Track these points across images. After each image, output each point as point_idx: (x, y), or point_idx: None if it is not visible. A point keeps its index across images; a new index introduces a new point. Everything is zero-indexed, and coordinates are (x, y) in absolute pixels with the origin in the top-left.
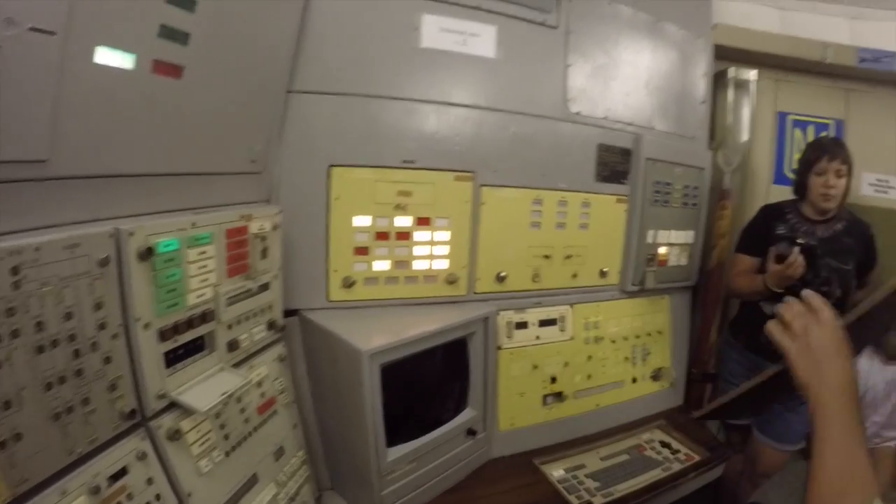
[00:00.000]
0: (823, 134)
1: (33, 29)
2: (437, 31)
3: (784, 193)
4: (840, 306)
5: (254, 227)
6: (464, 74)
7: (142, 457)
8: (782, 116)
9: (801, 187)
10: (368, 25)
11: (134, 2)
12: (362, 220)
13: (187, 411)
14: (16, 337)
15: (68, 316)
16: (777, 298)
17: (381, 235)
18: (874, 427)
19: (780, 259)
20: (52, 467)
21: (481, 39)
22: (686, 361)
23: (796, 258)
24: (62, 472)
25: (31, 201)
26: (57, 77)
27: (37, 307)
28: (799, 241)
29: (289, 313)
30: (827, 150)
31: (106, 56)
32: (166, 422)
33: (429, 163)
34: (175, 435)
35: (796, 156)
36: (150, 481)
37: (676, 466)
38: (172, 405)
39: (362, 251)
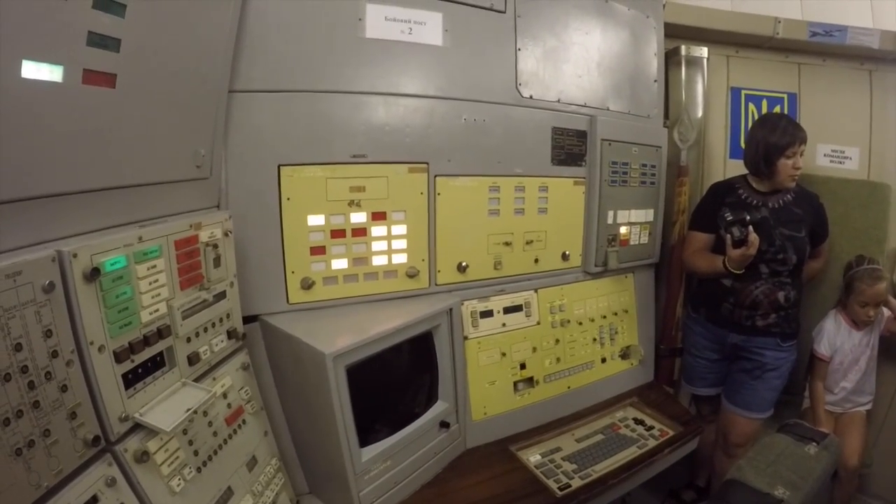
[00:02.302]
0: (777, 109)
1: None
2: (381, 20)
3: (739, 167)
4: (796, 272)
5: (204, 236)
6: (412, 64)
7: (111, 483)
8: (735, 92)
9: (769, 170)
10: (310, 18)
11: (57, 10)
12: (316, 219)
13: (153, 431)
14: None
15: (18, 347)
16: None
17: (337, 233)
18: (843, 393)
19: (739, 244)
20: None
21: (427, 27)
22: (654, 338)
23: (755, 239)
24: None
25: None
26: None
27: None
28: (748, 218)
29: (249, 319)
30: (797, 136)
31: (32, 70)
32: (132, 444)
33: (381, 156)
34: (143, 457)
35: None
36: None
37: (651, 443)
38: (137, 427)
39: (319, 251)
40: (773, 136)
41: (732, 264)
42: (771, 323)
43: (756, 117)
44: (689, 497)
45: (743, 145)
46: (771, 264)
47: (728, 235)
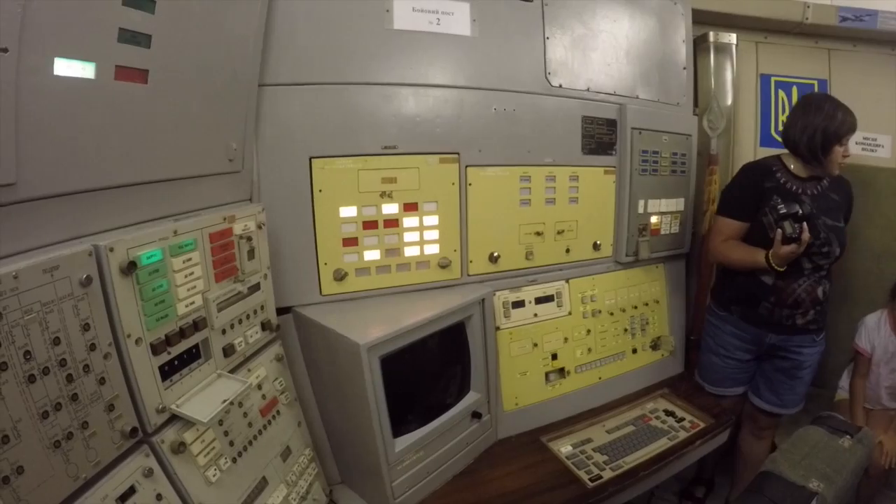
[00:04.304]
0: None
1: None
2: (408, 11)
3: (770, 155)
4: (833, 264)
5: (238, 228)
6: (440, 54)
7: (148, 474)
8: (765, 78)
9: (824, 155)
10: (338, 11)
11: (88, 8)
12: (348, 211)
13: (189, 422)
14: (4, 370)
15: (56, 341)
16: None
17: (369, 225)
18: (873, 392)
19: (790, 240)
20: (58, 496)
21: (455, 17)
22: (684, 328)
23: (808, 237)
24: (69, 499)
25: (2, 227)
26: (15, 95)
27: (22, 337)
28: (799, 212)
29: (281, 311)
30: (854, 123)
31: (65, 67)
32: (169, 435)
33: (411, 147)
34: (179, 448)
35: (782, 117)
36: (159, 497)
37: (682, 435)
38: (174, 418)
39: (351, 242)
40: (832, 125)
41: (777, 260)
42: (809, 320)
43: (786, 104)
44: (700, 493)
45: (777, 131)
46: (815, 258)
47: (779, 230)
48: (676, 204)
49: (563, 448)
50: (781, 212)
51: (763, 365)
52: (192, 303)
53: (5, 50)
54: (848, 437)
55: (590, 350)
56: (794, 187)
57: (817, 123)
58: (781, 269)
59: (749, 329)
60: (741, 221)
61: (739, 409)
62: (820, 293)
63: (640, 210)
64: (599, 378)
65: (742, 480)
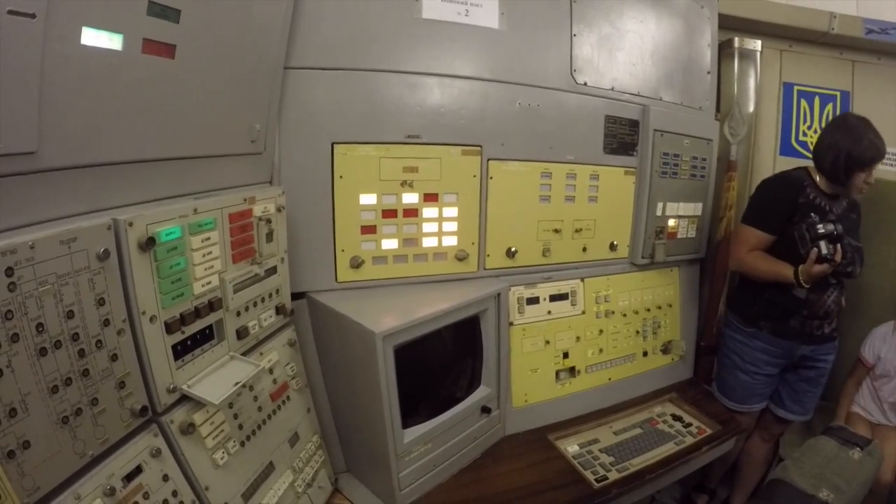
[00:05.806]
0: (829, 107)
1: (11, 12)
2: (437, 1)
3: (789, 164)
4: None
5: (257, 210)
6: (467, 46)
7: (156, 454)
8: (788, 87)
9: (846, 181)
10: None
11: None
12: (368, 198)
13: (199, 404)
14: (16, 341)
15: (69, 315)
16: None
17: (389, 213)
18: (877, 406)
19: (823, 260)
20: (64, 472)
21: (484, 9)
22: (695, 333)
23: (840, 259)
24: (75, 476)
25: (21, 196)
26: (40, 62)
27: (35, 308)
28: (835, 231)
29: (296, 296)
30: (882, 150)
31: (92, 37)
32: (179, 416)
33: (434, 137)
34: (188, 429)
35: (803, 126)
36: (165, 478)
37: (689, 440)
38: (184, 398)
39: (369, 230)
40: (857, 149)
41: (806, 278)
42: (834, 328)
43: (808, 114)
44: (702, 501)
45: (797, 140)
46: (839, 275)
47: (814, 248)
48: (694, 208)
49: (570, 447)
50: (819, 231)
51: (787, 376)
52: (209, 283)
53: (33, 15)
54: (858, 449)
55: (601, 350)
56: (823, 203)
57: (844, 146)
58: (807, 286)
59: (780, 343)
60: (769, 234)
61: (755, 421)
62: (843, 301)
63: (658, 212)
64: (609, 379)
65: (745, 478)
